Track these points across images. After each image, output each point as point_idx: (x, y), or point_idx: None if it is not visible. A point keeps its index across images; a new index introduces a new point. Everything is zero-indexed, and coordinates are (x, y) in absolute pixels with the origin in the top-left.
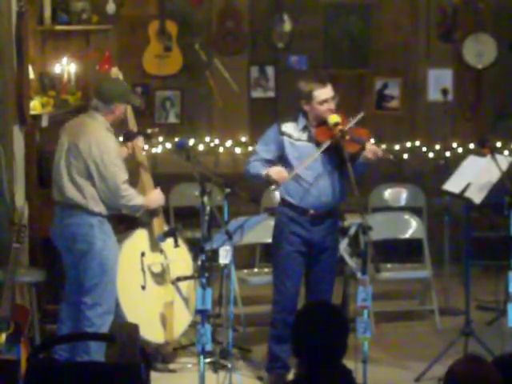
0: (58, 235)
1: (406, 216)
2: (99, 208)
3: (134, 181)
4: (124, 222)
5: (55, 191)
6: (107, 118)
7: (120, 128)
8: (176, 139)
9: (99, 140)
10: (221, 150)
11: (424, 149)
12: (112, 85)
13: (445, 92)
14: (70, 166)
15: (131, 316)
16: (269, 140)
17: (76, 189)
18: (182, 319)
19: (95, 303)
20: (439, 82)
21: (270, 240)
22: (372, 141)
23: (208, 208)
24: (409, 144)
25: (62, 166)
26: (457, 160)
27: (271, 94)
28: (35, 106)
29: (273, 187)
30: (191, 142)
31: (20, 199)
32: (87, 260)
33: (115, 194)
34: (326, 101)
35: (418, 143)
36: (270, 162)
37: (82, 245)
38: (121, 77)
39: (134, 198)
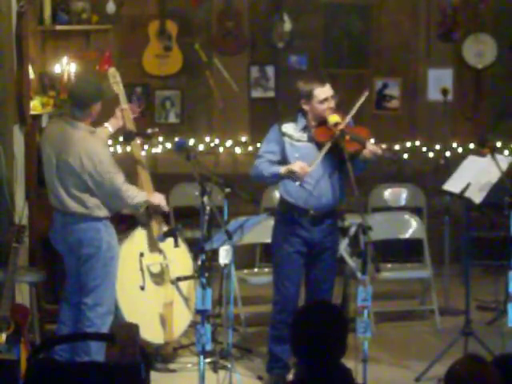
0: (61, 240)
1: (406, 216)
2: (103, 212)
3: (132, 180)
4: (124, 222)
5: (53, 199)
6: (86, 121)
7: (119, 129)
8: (176, 139)
9: (88, 151)
10: (221, 149)
11: (424, 149)
12: (82, 88)
13: (445, 92)
14: (64, 181)
15: (130, 316)
16: (272, 142)
17: (77, 202)
18: (182, 319)
19: (96, 303)
20: (439, 81)
21: (270, 240)
22: (372, 140)
23: (208, 208)
24: (409, 144)
25: (56, 182)
26: (457, 160)
27: (271, 93)
28: (35, 106)
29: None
30: (191, 142)
31: (20, 199)
32: (92, 262)
33: (118, 197)
34: (326, 99)
35: (418, 143)
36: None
37: (89, 249)
38: (119, 77)
39: (136, 196)
